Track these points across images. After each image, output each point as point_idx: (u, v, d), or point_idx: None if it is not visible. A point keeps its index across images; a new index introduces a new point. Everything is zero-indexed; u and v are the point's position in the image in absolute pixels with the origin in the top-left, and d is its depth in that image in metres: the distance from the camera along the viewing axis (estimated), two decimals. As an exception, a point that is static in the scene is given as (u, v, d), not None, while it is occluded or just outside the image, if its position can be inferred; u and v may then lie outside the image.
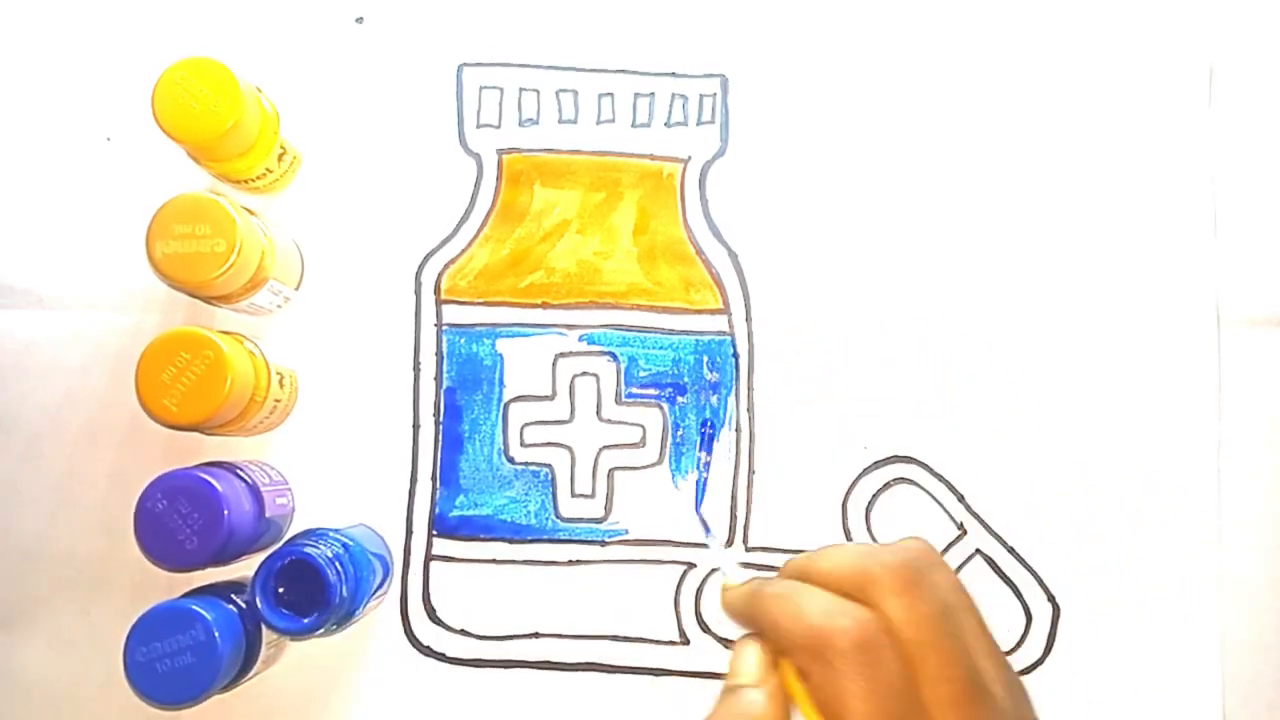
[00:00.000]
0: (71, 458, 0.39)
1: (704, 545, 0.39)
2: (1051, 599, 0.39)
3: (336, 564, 0.34)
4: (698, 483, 0.39)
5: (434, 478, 0.39)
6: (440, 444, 0.39)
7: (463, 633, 0.39)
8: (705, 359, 0.40)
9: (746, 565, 0.39)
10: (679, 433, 0.39)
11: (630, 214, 0.40)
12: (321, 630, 0.34)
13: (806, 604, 0.27)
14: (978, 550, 0.39)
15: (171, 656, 0.32)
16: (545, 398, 0.40)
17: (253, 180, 0.38)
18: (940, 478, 0.39)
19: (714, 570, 0.39)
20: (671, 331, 0.40)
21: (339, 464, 0.39)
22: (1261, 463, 0.39)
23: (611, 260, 0.40)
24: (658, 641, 0.39)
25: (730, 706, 0.27)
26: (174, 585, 0.37)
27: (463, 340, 0.40)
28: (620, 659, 0.38)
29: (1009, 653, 0.38)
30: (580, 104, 0.41)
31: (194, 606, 0.32)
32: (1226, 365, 0.39)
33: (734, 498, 0.39)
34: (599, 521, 0.39)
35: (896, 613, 0.26)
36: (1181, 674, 0.38)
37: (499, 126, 0.41)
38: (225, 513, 0.33)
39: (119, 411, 0.39)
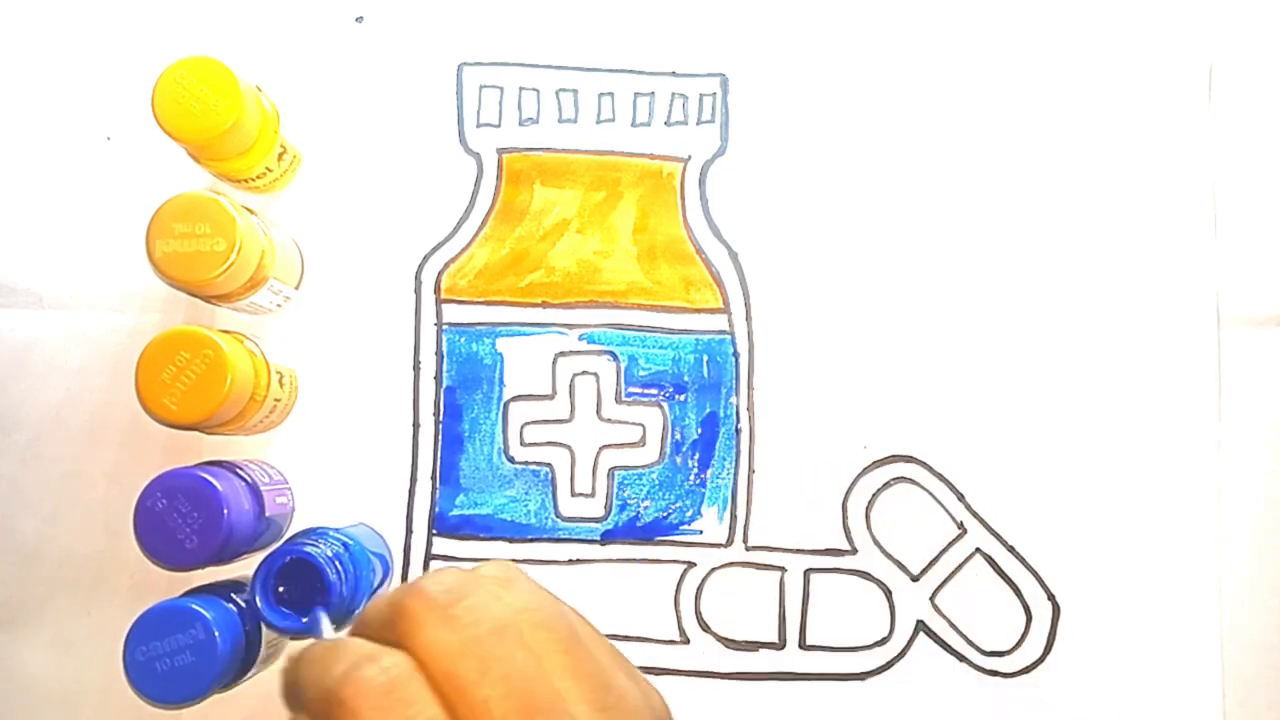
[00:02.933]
0: (71, 457, 0.39)
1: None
2: (1051, 598, 0.39)
3: (336, 563, 0.34)
4: (697, 482, 0.39)
5: (434, 477, 0.39)
6: (440, 443, 0.39)
7: (463, 632, 0.38)
8: (705, 358, 0.40)
9: (747, 565, 0.39)
10: (679, 432, 0.39)
11: (630, 213, 0.40)
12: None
13: (330, 662, 0.23)
14: (978, 549, 0.39)
15: (171, 655, 0.32)
16: (545, 397, 0.40)
17: (253, 179, 0.38)
18: (940, 477, 0.39)
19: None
20: (671, 331, 0.40)
21: (339, 463, 0.39)
22: (1261, 463, 0.39)
23: (611, 259, 0.40)
24: (658, 641, 0.39)
25: None
26: (174, 584, 0.37)
27: (463, 339, 0.40)
28: (620, 658, 0.38)
29: (1008, 652, 0.38)
30: (580, 103, 0.41)
31: (194, 606, 0.32)
32: (1226, 365, 0.39)
33: (734, 497, 0.39)
34: (600, 520, 0.39)
35: (425, 647, 0.23)
36: (1181, 673, 0.38)
37: (499, 126, 0.41)
38: (225, 512, 0.33)
39: (119, 411, 0.38)
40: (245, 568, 0.36)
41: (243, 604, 0.34)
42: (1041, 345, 0.40)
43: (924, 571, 0.39)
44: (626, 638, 0.39)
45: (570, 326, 0.40)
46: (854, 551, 0.39)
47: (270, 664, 0.37)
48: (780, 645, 0.39)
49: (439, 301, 0.40)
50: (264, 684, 0.38)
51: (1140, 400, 0.39)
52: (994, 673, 0.38)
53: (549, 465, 0.39)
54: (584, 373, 0.40)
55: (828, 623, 0.39)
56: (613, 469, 0.39)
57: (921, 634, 0.39)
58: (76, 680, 0.38)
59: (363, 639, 0.24)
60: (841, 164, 0.41)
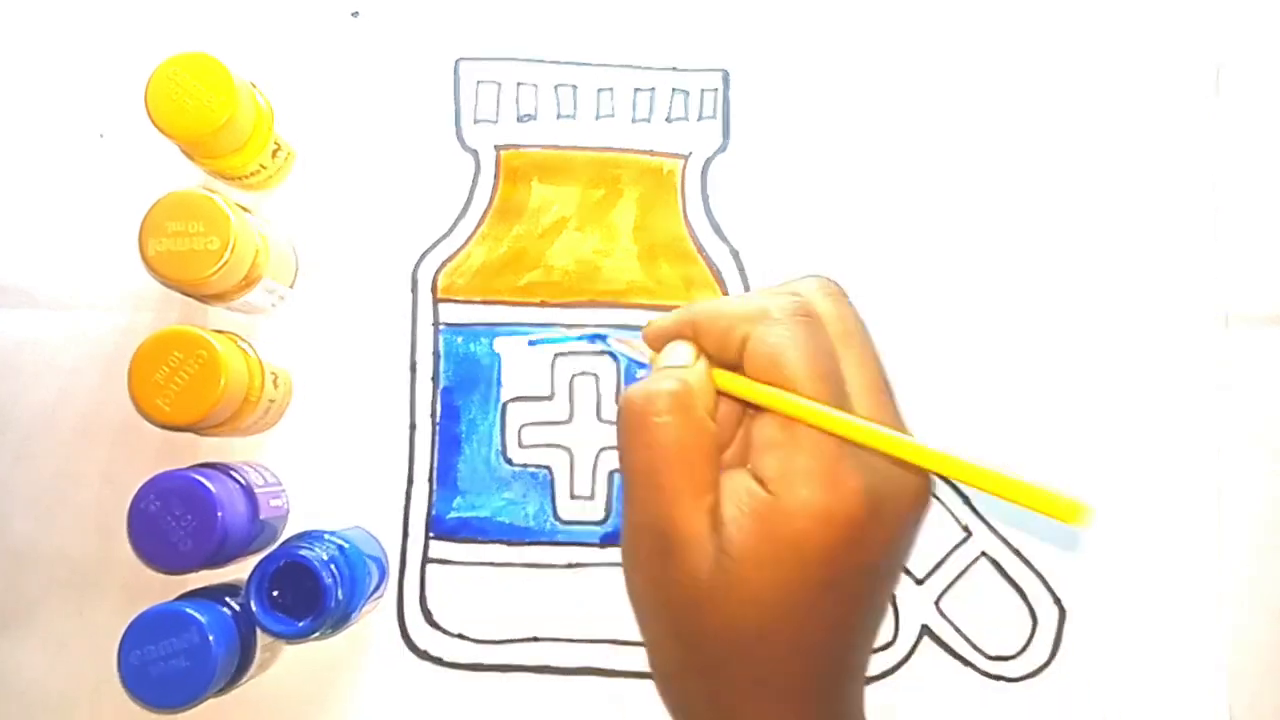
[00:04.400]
0: (65, 458, 0.38)
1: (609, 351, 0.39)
2: (1058, 602, 0.38)
3: (332, 566, 0.33)
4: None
5: (431, 479, 0.39)
6: (437, 445, 0.39)
7: (460, 637, 0.38)
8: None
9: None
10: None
11: (630, 211, 0.40)
12: (317, 634, 0.33)
13: (746, 295, 0.30)
14: (983, 553, 0.39)
15: (165, 660, 0.32)
16: (544, 398, 0.39)
17: (246, 177, 0.38)
18: (945, 479, 0.39)
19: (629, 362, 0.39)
20: (672, 330, 0.39)
21: (334, 465, 0.39)
22: (1265, 462, 0.39)
23: (611, 258, 0.40)
24: (658, 645, 0.38)
25: (660, 374, 0.29)
26: (168, 588, 0.37)
27: (460, 339, 0.39)
28: (620, 663, 0.38)
29: (1014, 657, 0.38)
30: (579, 99, 0.40)
31: (188, 609, 0.32)
32: (1229, 365, 0.39)
33: (735, 499, 0.39)
34: (599, 524, 0.39)
35: (826, 310, 0.29)
36: (1187, 676, 0.38)
37: (497, 122, 0.40)
38: (219, 515, 0.33)
39: (112, 411, 0.38)
40: (240, 571, 0.36)
41: (238, 608, 0.34)
42: (1044, 345, 0.39)
43: (929, 575, 0.39)
44: (626, 642, 0.38)
45: (569, 326, 0.39)
46: (857, 554, 0.39)
47: (265, 669, 0.37)
48: (782, 649, 0.38)
49: (436, 301, 0.39)
50: (259, 688, 0.37)
51: (1142, 401, 0.39)
52: (999, 677, 0.38)
53: (548, 467, 0.39)
54: (583, 373, 0.39)
55: (830, 626, 0.38)
56: (612, 471, 0.39)
57: (926, 638, 0.38)
58: (70, 683, 0.38)
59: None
60: (844, 161, 0.40)
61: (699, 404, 0.28)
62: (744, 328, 0.28)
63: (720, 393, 0.30)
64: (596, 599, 0.38)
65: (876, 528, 0.27)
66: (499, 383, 0.39)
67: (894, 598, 0.38)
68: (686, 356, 0.30)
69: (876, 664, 0.38)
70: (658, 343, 0.31)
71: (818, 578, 0.27)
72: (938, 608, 0.38)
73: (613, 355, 0.38)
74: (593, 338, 0.38)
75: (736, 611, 0.27)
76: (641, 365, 0.32)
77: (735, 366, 0.29)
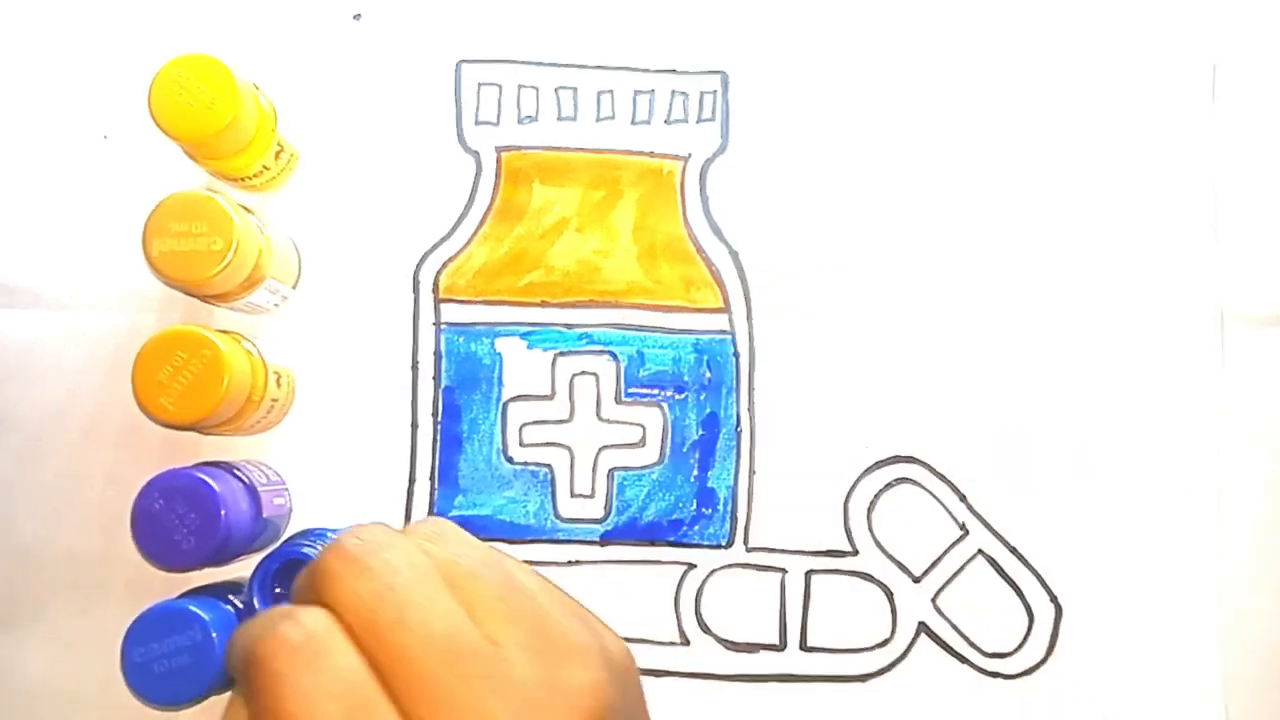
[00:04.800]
0: (69, 457, 0.39)
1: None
2: (1054, 599, 0.38)
3: (334, 564, 0.33)
4: (697, 483, 0.39)
5: (432, 477, 0.39)
6: (438, 444, 0.39)
7: (461, 633, 0.38)
8: (705, 358, 0.39)
9: (747, 566, 0.39)
10: (679, 433, 0.39)
11: (630, 212, 0.40)
12: (319, 631, 0.34)
13: (252, 626, 0.22)
14: (980, 551, 0.39)
15: (169, 657, 0.32)
16: (544, 397, 0.39)
17: (250, 178, 0.38)
18: (942, 478, 0.39)
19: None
20: (672, 330, 0.40)
21: (336, 464, 0.39)
22: (1262, 463, 0.39)
23: (611, 259, 0.40)
24: (657, 642, 0.39)
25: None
26: (171, 585, 0.37)
27: (461, 339, 0.40)
28: (620, 660, 0.38)
29: (1011, 654, 0.38)
30: (580, 101, 0.40)
31: (191, 607, 0.32)
32: (1228, 365, 0.39)
33: (734, 498, 0.39)
34: (599, 522, 0.39)
35: (341, 600, 0.22)
36: (1184, 675, 0.38)
37: (498, 124, 0.40)
38: (222, 513, 0.33)
39: (116, 411, 0.38)
40: (243, 569, 0.36)
41: (240, 605, 0.34)
42: (1043, 345, 0.39)
43: (926, 573, 0.39)
44: (626, 639, 0.38)
45: (570, 326, 0.40)
46: (855, 553, 0.39)
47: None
48: (781, 647, 0.38)
49: (437, 301, 0.40)
50: (262, 685, 0.37)
51: (1141, 401, 0.39)
52: (996, 675, 0.38)
53: (548, 466, 0.39)
54: (584, 373, 0.40)
55: (829, 624, 0.38)
56: (613, 470, 0.39)
57: (923, 636, 0.38)
58: (74, 681, 0.38)
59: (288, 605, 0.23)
60: (843, 163, 0.40)
61: None
62: (243, 692, 0.22)
63: None
64: (597, 596, 0.38)
65: None
66: (500, 382, 0.39)
67: (891, 594, 0.39)
68: None
69: (874, 661, 0.38)
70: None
71: None
72: (935, 605, 0.39)
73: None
74: None
75: None
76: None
77: None
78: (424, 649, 0.21)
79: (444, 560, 0.23)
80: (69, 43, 0.40)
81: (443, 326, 0.40)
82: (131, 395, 0.33)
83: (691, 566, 0.39)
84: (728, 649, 0.39)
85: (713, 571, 0.39)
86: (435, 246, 0.40)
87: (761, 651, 0.38)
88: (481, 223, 0.40)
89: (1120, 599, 0.38)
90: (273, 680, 0.21)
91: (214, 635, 0.32)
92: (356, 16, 0.41)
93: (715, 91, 0.41)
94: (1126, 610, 0.38)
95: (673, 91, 0.41)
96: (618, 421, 0.39)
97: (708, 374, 0.39)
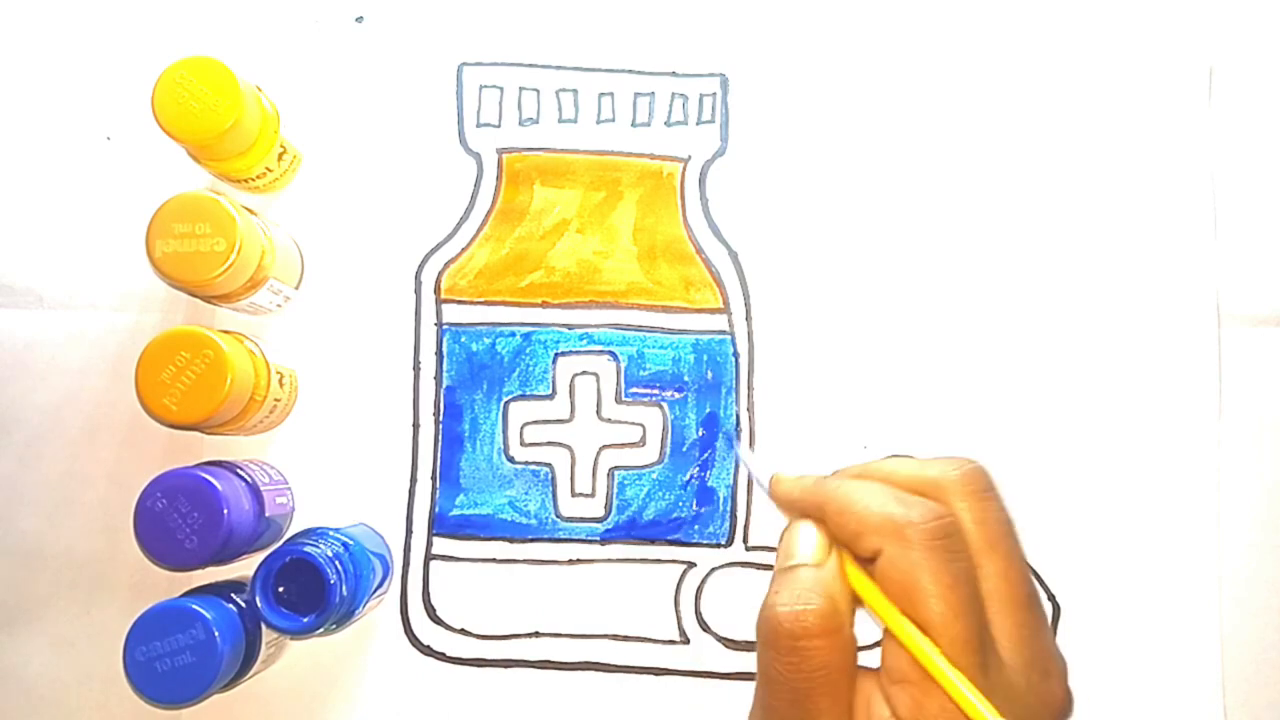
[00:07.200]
0: (71, 457, 0.39)
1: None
2: (1052, 598, 0.39)
3: (336, 563, 0.34)
4: (697, 482, 0.39)
5: (434, 477, 0.39)
6: (440, 443, 0.39)
7: (463, 632, 0.38)
8: (705, 358, 0.40)
9: (746, 565, 0.39)
10: (679, 432, 0.39)
11: (630, 213, 0.40)
12: (321, 629, 0.34)
13: (881, 492, 0.27)
14: (978, 549, 0.39)
15: (171, 656, 0.32)
16: (545, 397, 0.40)
17: (253, 179, 0.38)
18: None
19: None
20: (671, 331, 0.40)
21: (339, 463, 0.39)
22: (1261, 463, 0.39)
23: (611, 259, 0.40)
24: (658, 641, 0.39)
25: (793, 583, 0.27)
26: (174, 584, 0.37)
27: (463, 339, 0.40)
28: (620, 658, 0.38)
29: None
30: (580, 103, 0.41)
31: (194, 606, 0.32)
32: (1226, 365, 0.39)
33: (734, 497, 0.39)
34: (599, 520, 0.39)
35: (966, 514, 0.27)
36: (1182, 673, 0.38)
37: (499, 126, 0.41)
38: (225, 512, 0.33)
39: (119, 411, 0.38)
40: (245, 568, 0.36)
41: (243, 604, 0.34)
42: (1042, 344, 0.40)
43: (924, 571, 0.39)
44: (626, 638, 0.39)
45: (570, 326, 0.40)
46: (854, 551, 0.39)
47: (270, 664, 0.37)
48: (780, 645, 0.39)
49: (439, 301, 0.40)
50: (264, 684, 0.38)
51: (1140, 400, 0.39)
52: (994, 673, 0.38)
53: (549, 465, 0.39)
54: (584, 373, 0.40)
55: (828, 623, 0.39)
56: (613, 469, 0.39)
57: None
58: (76, 680, 0.38)
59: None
60: (842, 164, 0.41)
61: (846, 623, 0.27)
62: (875, 540, 0.27)
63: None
64: (597, 594, 0.39)
65: None
66: (501, 382, 0.40)
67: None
68: (815, 548, 0.28)
69: (873, 659, 0.38)
70: (785, 509, 0.31)
71: None
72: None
73: (728, 438, 0.39)
74: (728, 437, 0.39)
75: None
76: (763, 488, 0.31)
77: (868, 562, 0.28)
78: (1020, 580, 0.27)
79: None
80: (72, 45, 0.40)
81: (444, 327, 0.40)
82: (134, 395, 0.34)
83: (691, 565, 0.39)
84: (727, 647, 0.39)
85: (712, 570, 0.39)
86: (437, 247, 0.40)
87: (761, 650, 0.39)
88: (483, 224, 0.40)
89: (1119, 598, 0.39)
90: (922, 540, 0.26)
91: (216, 634, 0.32)
92: (359, 19, 0.41)
93: (715, 94, 0.41)
94: (1125, 609, 0.39)
95: (673, 94, 0.41)
96: (618, 421, 0.40)
97: (708, 374, 0.40)
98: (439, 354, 0.40)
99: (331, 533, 0.36)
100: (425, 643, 0.38)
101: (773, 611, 0.27)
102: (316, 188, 0.40)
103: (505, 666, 0.38)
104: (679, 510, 0.39)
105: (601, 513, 0.39)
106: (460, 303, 0.40)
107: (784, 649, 0.26)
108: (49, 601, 0.38)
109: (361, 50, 0.41)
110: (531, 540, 0.39)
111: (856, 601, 0.28)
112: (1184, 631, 0.38)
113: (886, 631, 0.27)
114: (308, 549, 0.34)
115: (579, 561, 0.39)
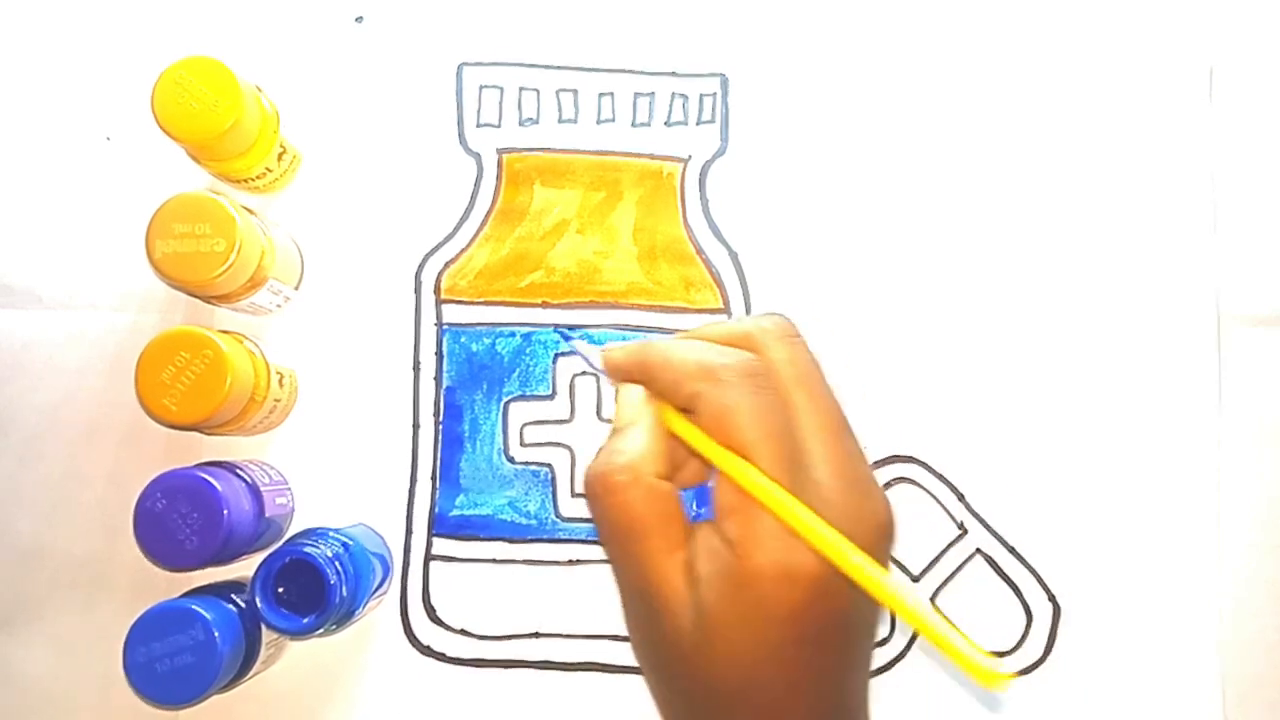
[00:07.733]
0: (70, 457, 0.39)
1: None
2: (1052, 599, 0.39)
3: (336, 564, 0.34)
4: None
5: (434, 477, 0.39)
6: (440, 443, 0.39)
7: (463, 632, 0.38)
8: (705, 358, 0.40)
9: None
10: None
11: (630, 213, 0.40)
12: (321, 630, 0.34)
13: (698, 345, 0.30)
14: (978, 550, 0.39)
15: (171, 656, 0.32)
16: (545, 397, 0.40)
17: (252, 180, 0.38)
18: (940, 477, 0.39)
19: (590, 374, 0.39)
20: (672, 331, 0.40)
21: (339, 464, 0.39)
22: (1261, 462, 0.39)
23: (611, 260, 0.40)
24: (658, 641, 0.39)
25: (613, 443, 0.30)
26: (173, 585, 0.37)
27: (463, 339, 0.40)
28: (621, 659, 0.38)
29: (1009, 653, 0.38)
30: (580, 103, 0.41)
31: (193, 606, 0.32)
32: (1226, 365, 0.39)
33: (734, 497, 0.39)
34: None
35: (778, 356, 0.30)
36: (1182, 674, 0.38)
37: (499, 126, 0.41)
38: (225, 512, 0.33)
39: (118, 411, 0.38)
40: (245, 568, 0.36)
41: (243, 604, 0.34)
42: (1042, 344, 0.40)
43: (924, 572, 0.39)
44: (626, 638, 0.39)
45: (571, 327, 0.40)
46: (854, 552, 0.39)
47: (270, 665, 0.37)
48: (780, 646, 0.39)
49: (439, 302, 0.40)
50: (264, 685, 0.38)
51: (1140, 400, 0.39)
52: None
53: (549, 465, 0.39)
54: (584, 373, 0.40)
55: (828, 623, 0.39)
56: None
57: (922, 635, 0.39)
58: (75, 680, 0.38)
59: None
60: (842, 164, 0.41)
61: (649, 470, 0.29)
62: (692, 385, 0.29)
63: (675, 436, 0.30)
64: (597, 595, 0.39)
65: (840, 579, 0.27)
66: (501, 382, 0.40)
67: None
68: (635, 405, 0.31)
69: (873, 659, 0.39)
70: (613, 376, 0.32)
71: (790, 635, 0.27)
72: (933, 604, 0.39)
73: (563, 335, 0.39)
74: (566, 336, 0.39)
75: (718, 670, 0.27)
76: (598, 370, 0.33)
77: (689, 412, 0.30)
78: (830, 409, 0.29)
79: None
80: (72, 45, 0.40)
81: (444, 327, 0.40)
82: (134, 395, 0.34)
83: (691, 566, 0.39)
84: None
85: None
86: (437, 248, 0.40)
87: (761, 650, 0.39)
88: (483, 224, 0.40)
89: (1118, 598, 0.39)
90: (734, 378, 0.29)
91: (216, 634, 0.32)
92: (359, 19, 0.41)
93: (715, 94, 0.41)
94: (1125, 609, 0.39)
95: (673, 94, 0.41)
96: (618, 421, 0.39)
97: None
98: (439, 354, 0.40)
99: (331, 533, 0.36)
100: (425, 643, 0.38)
101: (586, 471, 0.30)
102: (316, 188, 0.40)
103: (505, 667, 0.38)
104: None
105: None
106: (460, 303, 0.40)
107: (597, 499, 0.29)
108: (48, 601, 0.38)
109: (361, 50, 0.41)
110: (531, 541, 0.39)
111: (688, 452, 0.30)
112: (1184, 631, 0.38)
113: (714, 474, 0.29)
114: (308, 549, 0.34)
115: (579, 562, 0.39)
